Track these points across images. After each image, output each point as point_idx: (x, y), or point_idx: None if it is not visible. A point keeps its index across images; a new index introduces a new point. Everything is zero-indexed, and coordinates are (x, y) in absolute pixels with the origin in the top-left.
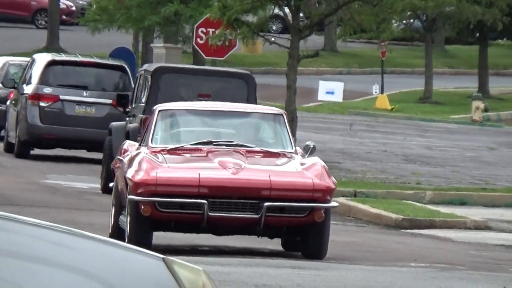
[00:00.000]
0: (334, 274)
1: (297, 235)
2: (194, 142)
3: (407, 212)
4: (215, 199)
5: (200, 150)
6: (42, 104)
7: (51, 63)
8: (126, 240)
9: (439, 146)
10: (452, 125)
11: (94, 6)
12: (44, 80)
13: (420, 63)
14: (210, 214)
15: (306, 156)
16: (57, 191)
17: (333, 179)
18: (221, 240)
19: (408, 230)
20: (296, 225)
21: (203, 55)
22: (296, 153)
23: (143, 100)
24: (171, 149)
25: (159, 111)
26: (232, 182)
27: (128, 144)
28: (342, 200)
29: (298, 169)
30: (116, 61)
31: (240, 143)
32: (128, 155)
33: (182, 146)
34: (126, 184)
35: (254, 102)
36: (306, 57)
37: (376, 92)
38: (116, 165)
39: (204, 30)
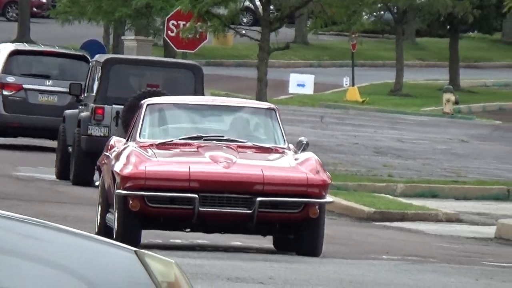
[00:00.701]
0: (306, 267)
1: (291, 232)
2: (184, 137)
3: (378, 205)
4: (206, 194)
5: (190, 145)
6: (5, 92)
7: (14, 53)
8: (114, 238)
9: (410, 138)
10: (423, 118)
11: None
12: (7, 69)
13: (390, 55)
14: (201, 209)
15: (299, 152)
16: (29, 183)
17: (328, 174)
18: (195, 234)
19: (380, 223)
20: (290, 221)
21: (174, 47)
22: (288, 149)
23: (94, 89)
24: (160, 143)
25: (147, 105)
26: (224, 176)
27: (115, 140)
28: None
29: (292, 164)
30: (78, 51)
31: (231, 138)
32: (115, 151)
33: (171, 141)
34: (114, 179)
35: (201, 92)
36: (276, 50)
37: (346, 84)
38: (103, 162)
39: (175, 23)
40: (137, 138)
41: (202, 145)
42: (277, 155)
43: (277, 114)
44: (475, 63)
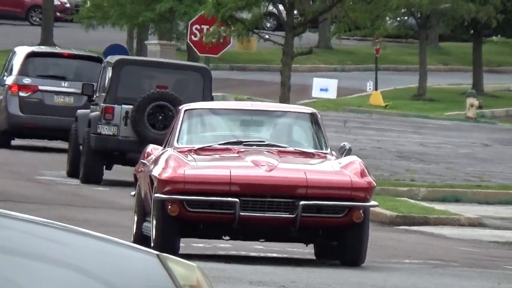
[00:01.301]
0: (328, 271)
1: (334, 238)
2: (223, 142)
3: (401, 209)
4: (248, 198)
5: (230, 150)
6: (21, 94)
7: (31, 55)
8: (152, 246)
9: (433, 143)
10: (446, 122)
11: (88, 3)
12: (24, 71)
13: (414, 60)
14: (242, 213)
15: (342, 157)
16: (51, 188)
17: (372, 177)
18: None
19: (402, 227)
20: (333, 227)
21: (197, 52)
22: (331, 154)
23: (105, 90)
24: (199, 148)
25: (185, 110)
26: (266, 180)
27: (152, 148)
28: None
29: (335, 167)
30: (93, 53)
31: (272, 143)
32: (152, 157)
33: (210, 146)
34: (151, 183)
35: (210, 94)
36: (300, 54)
37: (370, 89)
38: (139, 170)
39: (199, 27)
40: (175, 144)
41: (243, 150)
42: (320, 159)
43: (319, 119)
44: (499, 68)
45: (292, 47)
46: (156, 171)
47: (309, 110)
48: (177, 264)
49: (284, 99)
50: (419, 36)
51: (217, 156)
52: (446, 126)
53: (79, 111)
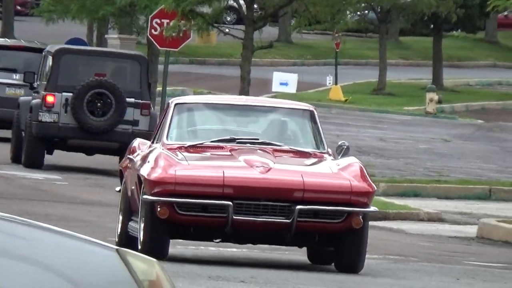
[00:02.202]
0: (288, 268)
1: (330, 244)
2: (215, 139)
3: None
4: (241, 201)
5: (222, 147)
6: None
7: None
8: (140, 248)
9: (393, 138)
10: (406, 117)
11: None
12: None
13: (374, 54)
14: (235, 217)
15: (339, 157)
16: (11, 182)
17: (371, 181)
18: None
19: None
20: (330, 232)
21: (158, 46)
22: (328, 153)
23: (46, 78)
24: (190, 146)
25: (176, 104)
26: (261, 182)
27: (139, 142)
28: None
29: (334, 170)
30: (44, 45)
31: (267, 141)
32: (139, 153)
33: (202, 144)
34: (140, 183)
35: (146, 81)
36: (260, 48)
37: (329, 83)
38: (125, 165)
39: (159, 21)
40: (165, 140)
41: (236, 148)
42: (317, 159)
43: (316, 115)
44: (459, 62)
45: (252, 41)
46: (144, 171)
47: (306, 106)
48: (136, 259)
49: (243, 94)
50: (379, 30)
51: (208, 154)
52: (405, 121)
53: (21, 98)
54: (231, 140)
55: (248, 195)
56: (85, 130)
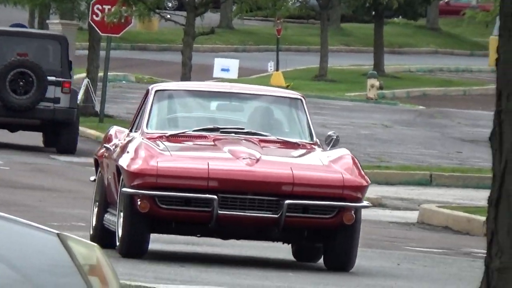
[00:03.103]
0: (209, 249)
1: (320, 240)
2: (198, 129)
3: None
4: (227, 195)
5: (206, 137)
6: None
7: None
8: (118, 243)
9: (334, 123)
10: (347, 103)
11: None
12: None
13: (315, 40)
14: (220, 212)
15: (329, 149)
16: None
17: (364, 174)
18: None
19: None
20: (321, 228)
21: (99, 32)
22: (317, 144)
23: None
24: (171, 135)
25: (156, 91)
26: (247, 175)
27: (116, 130)
28: None
29: (324, 162)
30: None
31: (252, 130)
32: (117, 142)
33: (184, 133)
34: (118, 175)
35: (67, 60)
36: (201, 34)
37: (271, 69)
38: (101, 154)
39: (100, 7)
40: (144, 129)
41: (220, 138)
42: (306, 150)
43: (304, 104)
44: (400, 49)
45: (193, 27)
46: (124, 161)
47: (294, 94)
48: (77, 244)
49: (185, 79)
50: (320, 17)
51: (191, 144)
52: (347, 107)
53: None
54: (215, 130)
55: (234, 189)
56: (8, 108)
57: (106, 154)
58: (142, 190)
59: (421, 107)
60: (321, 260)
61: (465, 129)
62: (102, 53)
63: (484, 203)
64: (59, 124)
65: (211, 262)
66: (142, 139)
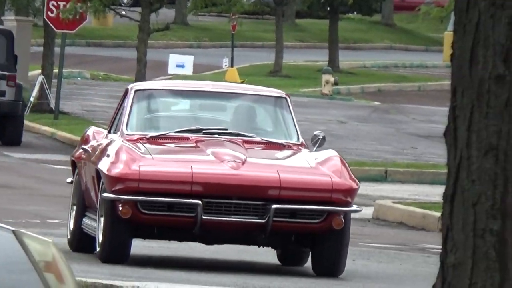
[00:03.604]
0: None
1: (307, 244)
2: (180, 130)
3: None
4: (211, 199)
5: (188, 139)
6: None
7: None
8: (98, 249)
9: None
10: (302, 99)
11: None
12: None
13: (270, 37)
14: (204, 217)
15: (314, 149)
16: None
17: (354, 177)
18: None
19: None
20: (309, 233)
21: (54, 28)
22: (303, 145)
23: None
24: (152, 137)
25: (136, 91)
26: (232, 179)
27: (94, 131)
28: None
29: (312, 164)
30: None
31: (236, 131)
32: (95, 144)
33: (165, 134)
34: (98, 178)
35: (12, 54)
36: (156, 31)
37: (226, 65)
38: (79, 156)
39: (55, 4)
40: (124, 130)
41: (202, 139)
42: (292, 152)
43: (289, 103)
44: (355, 45)
45: (148, 23)
46: (104, 165)
47: (278, 93)
48: (33, 240)
49: (140, 76)
50: (275, 13)
51: (174, 147)
52: (302, 102)
53: None
54: (197, 131)
55: (219, 193)
56: None
57: (84, 156)
58: (123, 195)
59: (376, 103)
60: (308, 264)
61: (420, 124)
62: (57, 50)
63: (439, 198)
64: (5, 117)
65: (166, 259)
66: (123, 141)
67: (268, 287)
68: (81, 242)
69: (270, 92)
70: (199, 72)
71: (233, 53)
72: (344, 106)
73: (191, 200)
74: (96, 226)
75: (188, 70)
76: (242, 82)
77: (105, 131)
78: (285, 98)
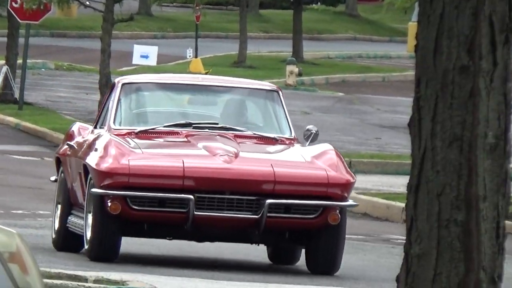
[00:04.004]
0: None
1: (302, 241)
2: (169, 124)
3: None
4: (203, 194)
5: (178, 133)
6: None
7: None
8: (86, 246)
9: None
10: None
11: None
12: None
13: (234, 27)
14: (196, 213)
15: (307, 144)
16: None
17: (349, 171)
18: None
19: None
20: (304, 229)
21: (18, 19)
22: (295, 139)
23: None
24: (140, 131)
25: (123, 84)
26: (225, 173)
27: (79, 127)
28: None
29: (307, 158)
30: None
31: (227, 125)
32: (81, 139)
33: (154, 129)
34: (86, 174)
35: None
36: (121, 21)
37: (190, 56)
38: (64, 152)
39: None
40: (111, 125)
41: (193, 133)
42: (285, 146)
43: (281, 96)
44: (319, 35)
45: (112, 14)
46: (92, 160)
47: (269, 86)
48: None
49: (104, 66)
50: (239, 3)
51: (163, 141)
52: None
53: None
54: (187, 125)
55: (211, 188)
56: None
57: (70, 152)
58: (112, 190)
59: (340, 93)
60: (301, 262)
61: (384, 115)
62: (22, 40)
63: (403, 189)
64: None
65: (132, 250)
66: (111, 135)
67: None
68: (66, 241)
69: (262, 86)
70: (163, 62)
71: (197, 44)
72: (308, 96)
73: (183, 195)
74: (83, 223)
75: (152, 61)
76: (206, 73)
77: (91, 127)
78: (277, 91)
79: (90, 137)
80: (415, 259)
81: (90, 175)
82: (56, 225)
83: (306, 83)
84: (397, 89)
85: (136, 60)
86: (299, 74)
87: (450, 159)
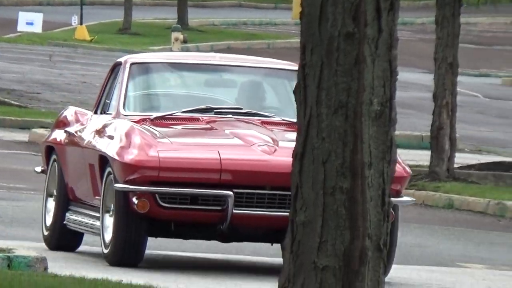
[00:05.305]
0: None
1: None
2: (188, 109)
3: None
4: (242, 190)
5: (198, 120)
6: None
7: None
8: (108, 251)
9: None
10: None
11: None
12: None
13: None
14: (235, 211)
15: None
16: None
17: (404, 163)
18: None
19: None
20: None
21: None
22: None
23: None
24: (156, 118)
25: (132, 64)
26: (268, 165)
27: (76, 112)
28: (42, 131)
29: None
30: None
31: (253, 111)
32: (81, 126)
33: (171, 115)
34: (101, 166)
35: None
36: None
37: (75, 23)
38: (59, 141)
39: None
40: (121, 110)
41: (215, 119)
42: None
43: None
44: (204, 2)
45: None
46: (112, 150)
47: (294, 66)
48: None
49: None
50: None
51: (188, 129)
52: None
53: None
54: (208, 110)
55: (251, 183)
56: None
57: (68, 140)
58: (139, 185)
59: None
60: None
61: None
62: None
63: None
64: None
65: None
66: (130, 122)
67: None
68: (62, 240)
69: (285, 65)
70: (48, 29)
71: (82, 10)
72: None
73: (222, 191)
74: (87, 222)
75: (38, 28)
76: (91, 40)
77: (90, 112)
78: None
79: (99, 124)
80: (300, 227)
81: (108, 168)
82: (49, 221)
83: (191, 50)
84: (282, 56)
85: (21, 27)
86: (184, 41)
87: (336, 126)
